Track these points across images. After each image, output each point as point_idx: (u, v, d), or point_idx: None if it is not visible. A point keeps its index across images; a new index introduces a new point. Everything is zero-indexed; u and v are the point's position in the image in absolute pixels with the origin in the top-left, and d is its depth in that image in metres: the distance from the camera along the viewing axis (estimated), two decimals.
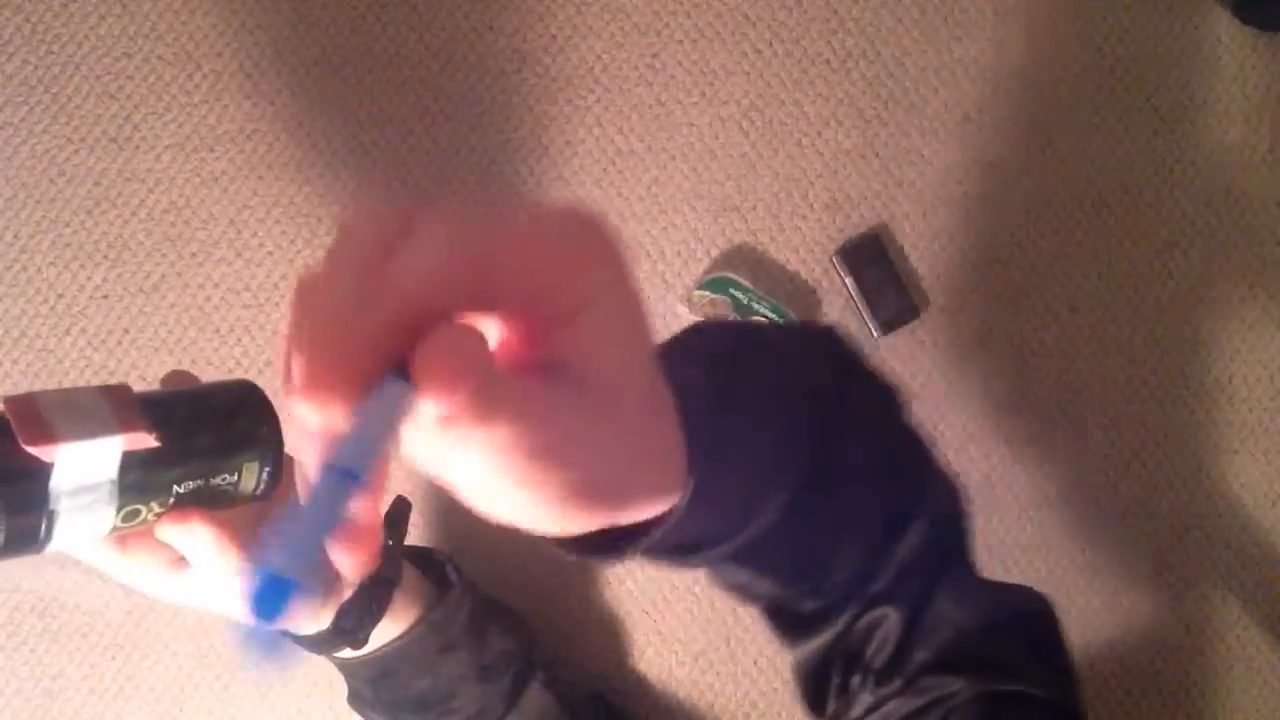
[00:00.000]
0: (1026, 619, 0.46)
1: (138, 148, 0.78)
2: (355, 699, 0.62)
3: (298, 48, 0.78)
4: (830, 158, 0.79)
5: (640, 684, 0.77)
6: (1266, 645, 0.79)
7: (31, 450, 0.31)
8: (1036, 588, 0.58)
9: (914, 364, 0.78)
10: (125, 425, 0.34)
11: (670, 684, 0.77)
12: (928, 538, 0.42)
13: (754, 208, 0.78)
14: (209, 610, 0.46)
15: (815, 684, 0.47)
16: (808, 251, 0.78)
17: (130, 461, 0.34)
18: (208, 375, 0.80)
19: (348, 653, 0.54)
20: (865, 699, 0.44)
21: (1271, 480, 0.80)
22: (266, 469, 0.41)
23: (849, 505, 0.40)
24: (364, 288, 0.22)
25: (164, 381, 0.41)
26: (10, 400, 0.32)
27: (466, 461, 0.24)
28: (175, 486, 0.37)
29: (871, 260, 0.77)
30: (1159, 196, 0.80)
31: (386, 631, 0.55)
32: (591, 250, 0.25)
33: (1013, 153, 0.80)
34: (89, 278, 0.77)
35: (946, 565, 0.45)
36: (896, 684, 0.43)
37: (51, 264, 0.77)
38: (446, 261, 0.23)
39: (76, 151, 0.77)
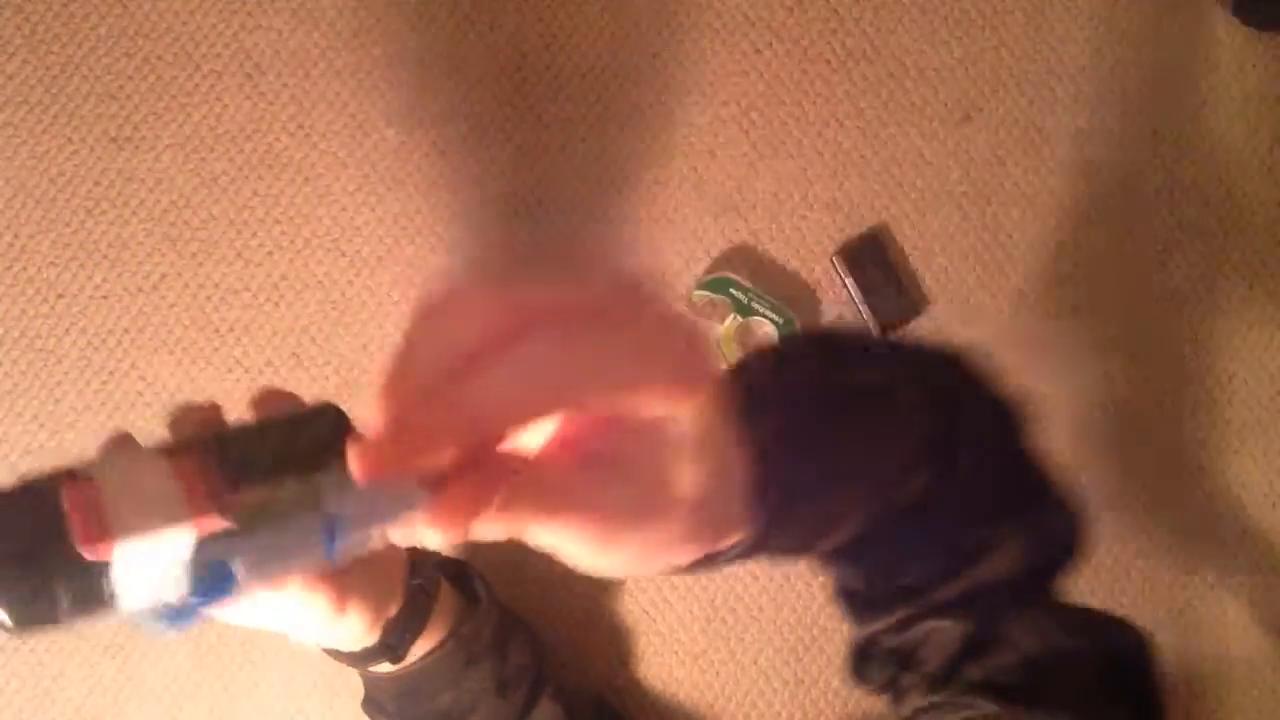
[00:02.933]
0: (1108, 655, 0.44)
1: (138, 148, 0.78)
2: (372, 707, 0.62)
3: (298, 48, 0.78)
4: (830, 158, 0.79)
5: (640, 685, 0.77)
6: (1266, 645, 0.79)
7: (86, 551, 0.29)
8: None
9: None
10: (197, 511, 0.30)
11: (671, 685, 0.77)
12: (1018, 564, 0.42)
13: (754, 208, 0.78)
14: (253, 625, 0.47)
15: (863, 663, 0.48)
16: (808, 251, 0.78)
17: (204, 541, 0.31)
18: (207, 374, 0.80)
19: (384, 667, 0.54)
20: (915, 700, 0.45)
21: (1271, 480, 0.80)
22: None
23: (933, 529, 0.40)
24: (442, 401, 0.23)
25: (258, 402, 0.38)
26: (72, 488, 0.30)
27: (547, 538, 0.26)
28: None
29: (871, 260, 0.77)
30: (1159, 196, 0.80)
31: (417, 646, 0.56)
32: (691, 374, 0.25)
33: (1013, 153, 0.80)
34: (89, 278, 0.77)
35: (1033, 592, 0.44)
36: (945, 693, 0.43)
37: (51, 264, 0.77)
38: (532, 386, 0.23)
39: (76, 151, 0.77)
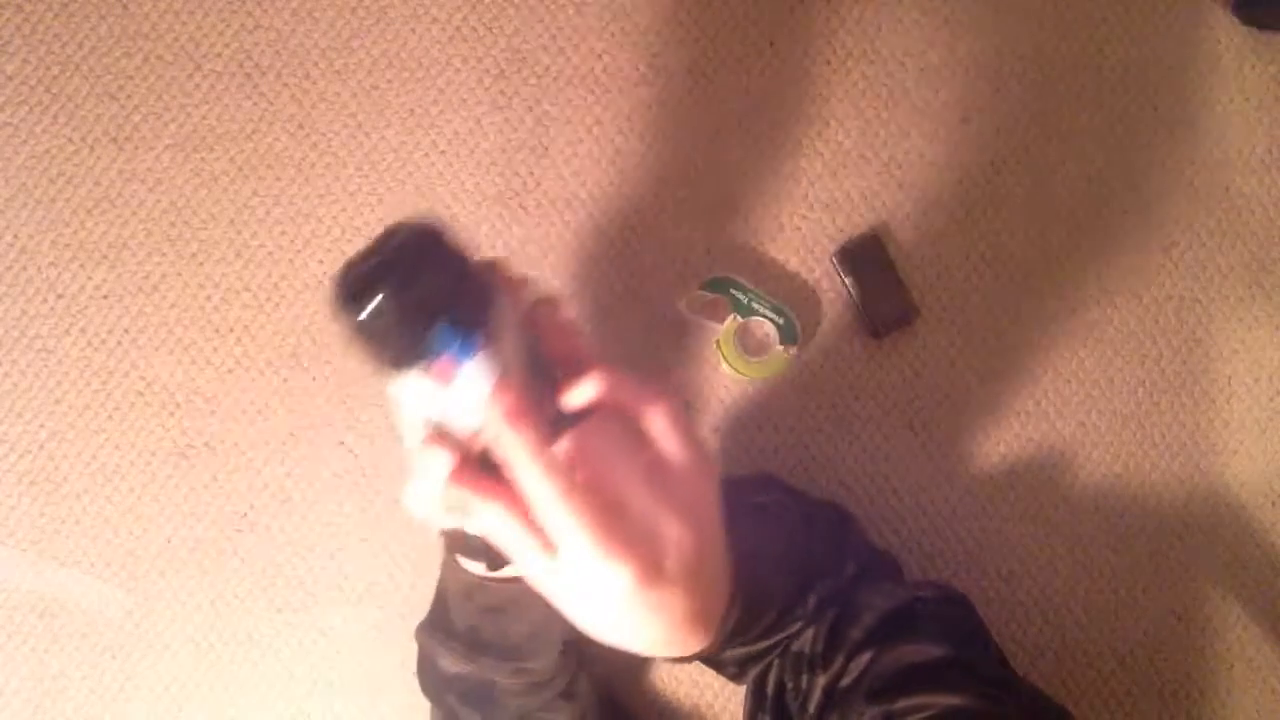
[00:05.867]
0: (939, 600, 0.60)
1: (138, 148, 0.78)
2: (434, 630, 0.60)
3: (298, 48, 0.78)
4: (830, 158, 0.79)
5: (640, 684, 0.77)
6: (1266, 645, 0.79)
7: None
8: (1034, 588, 0.79)
9: (913, 364, 0.78)
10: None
11: (670, 684, 0.77)
12: (851, 575, 0.60)
13: (754, 208, 0.78)
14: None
15: (757, 684, 0.61)
16: (808, 251, 0.78)
17: None
18: (207, 374, 0.80)
19: (483, 569, 0.54)
20: (820, 682, 0.55)
21: (1271, 480, 0.80)
22: None
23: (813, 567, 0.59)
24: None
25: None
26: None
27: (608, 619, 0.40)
28: None
29: (871, 260, 0.77)
30: (1159, 196, 0.80)
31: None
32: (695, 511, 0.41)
33: (1013, 153, 0.80)
34: (89, 278, 0.77)
35: (866, 580, 0.61)
36: (839, 662, 0.55)
37: (51, 264, 0.77)
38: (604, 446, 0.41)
39: (76, 151, 0.77)
